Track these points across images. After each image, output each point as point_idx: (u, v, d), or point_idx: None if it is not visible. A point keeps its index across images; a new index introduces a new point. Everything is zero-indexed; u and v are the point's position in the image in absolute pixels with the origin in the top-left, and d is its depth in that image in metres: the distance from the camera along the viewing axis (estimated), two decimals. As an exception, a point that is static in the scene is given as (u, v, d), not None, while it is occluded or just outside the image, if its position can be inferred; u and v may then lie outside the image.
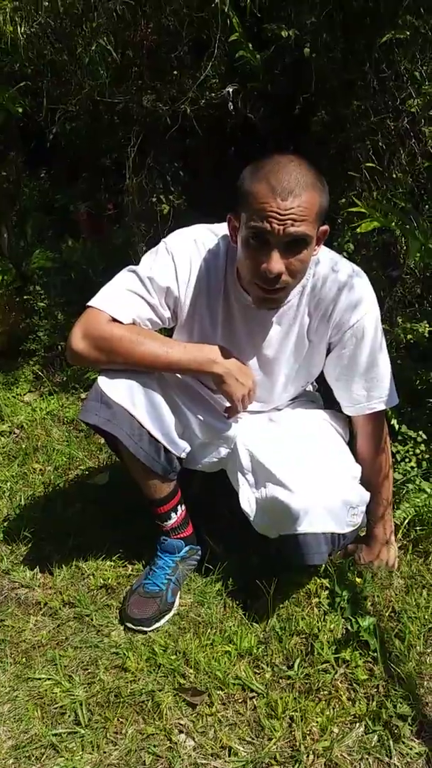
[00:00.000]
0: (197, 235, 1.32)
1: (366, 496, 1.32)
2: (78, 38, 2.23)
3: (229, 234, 1.24)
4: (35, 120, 2.67)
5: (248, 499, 1.37)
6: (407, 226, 1.61)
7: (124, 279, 1.31)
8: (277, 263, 1.11)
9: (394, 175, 1.90)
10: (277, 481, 1.27)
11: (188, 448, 1.40)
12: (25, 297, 2.88)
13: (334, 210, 2.05)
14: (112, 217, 3.10)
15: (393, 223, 1.60)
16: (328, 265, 1.29)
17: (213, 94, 2.12)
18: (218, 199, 2.20)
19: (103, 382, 1.30)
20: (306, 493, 1.23)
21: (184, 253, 1.29)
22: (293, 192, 1.07)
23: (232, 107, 2.10)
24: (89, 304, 1.29)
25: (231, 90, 2.09)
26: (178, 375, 1.35)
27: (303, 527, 1.23)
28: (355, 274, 1.30)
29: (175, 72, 2.21)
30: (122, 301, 1.28)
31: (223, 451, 1.42)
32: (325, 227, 1.17)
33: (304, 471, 1.27)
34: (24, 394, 2.59)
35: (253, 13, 1.97)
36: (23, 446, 2.20)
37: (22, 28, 2.11)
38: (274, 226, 1.08)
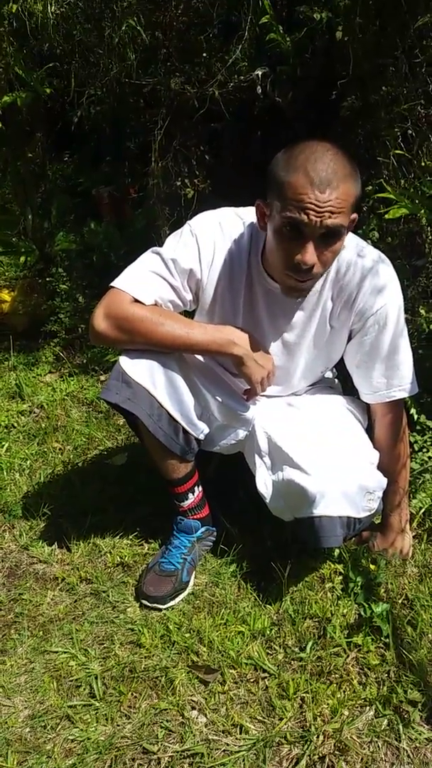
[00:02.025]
0: (222, 218, 1.32)
1: (383, 481, 1.32)
2: (107, 19, 2.22)
3: (256, 219, 1.23)
4: (61, 102, 2.68)
5: (265, 482, 1.37)
6: (434, 215, 1.59)
7: (147, 260, 1.31)
8: (311, 255, 1.10)
9: (423, 163, 1.87)
10: (294, 464, 1.27)
11: (206, 430, 1.41)
12: (47, 279, 2.90)
13: (361, 197, 2.03)
14: (134, 200, 3.11)
15: (421, 211, 1.58)
16: (353, 250, 1.28)
17: (242, 78, 2.11)
18: (243, 184, 2.19)
19: (125, 362, 1.31)
20: (322, 476, 1.24)
21: (208, 236, 1.29)
22: (331, 184, 1.05)
23: (260, 91, 2.08)
24: (112, 284, 1.30)
25: (260, 73, 2.07)
26: (199, 357, 1.36)
27: (319, 510, 1.24)
28: (380, 261, 1.29)
29: (204, 54, 2.19)
30: (145, 282, 1.28)
31: (241, 433, 1.42)
32: (355, 215, 1.16)
33: (322, 455, 1.27)
34: (44, 375, 2.62)
35: (286, -5, 1.94)
36: (43, 425, 2.22)
37: (52, 8, 2.10)
38: (311, 218, 1.06)
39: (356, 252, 1.28)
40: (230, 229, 1.31)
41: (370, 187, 1.90)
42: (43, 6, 2.16)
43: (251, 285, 1.32)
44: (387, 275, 1.29)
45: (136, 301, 1.27)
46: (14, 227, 3.02)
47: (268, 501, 1.37)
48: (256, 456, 1.39)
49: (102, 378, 2.53)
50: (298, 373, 1.43)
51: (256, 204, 1.21)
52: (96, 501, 1.78)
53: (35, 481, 1.92)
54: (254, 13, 2.00)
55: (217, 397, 1.37)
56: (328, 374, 1.56)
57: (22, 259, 3.10)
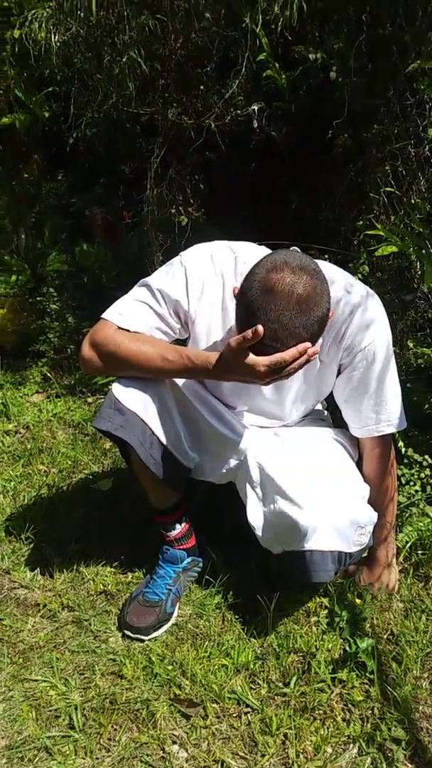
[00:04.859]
0: (215, 252, 1.32)
1: (374, 516, 1.32)
2: (108, 49, 2.27)
3: None
4: (58, 124, 2.72)
5: (255, 513, 1.36)
6: (423, 252, 1.63)
7: (135, 291, 1.33)
8: None
9: (413, 201, 1.92)
10: (286, 497, 1.27)
11: (197, 459, 1.41)
12: (37, 298, 2.90)
13: (351, 232, 2.08)
14: (128, 224, 3.14)
15: (410, 249, 1.62)
16: (341, 285, 1.29)
17: (238, 111, 2.15)
18: (237, 214, 2.24)
19: (117, 389, 1.32)
20: (315, 510, 1.24)
21: (197, 269, 1.30)
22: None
23: (256, 125, 2.13)
24: (102, 315, 1.31)
25: (256, 108, 2.12)
26: (193, 385, 1.36)
27: (310, 544, 1.24)
28: (368, 296, 1.30)
29: (202, 87, 2.24)
30: (131, 311, 1.30)
31: (233, 463, 1.42)
32: None
33: (314, 488, 1.27)
34: (31, 395, 2.61)
35: (282, 34, 2.00)
36: (28, 447, 2.21)
37: (56, 37, 2.14)
38: None
39: (344, 287, 1.29)
40: (222, 262, 1.31)
41: (361, 223, 1.95)
42: (46, 34, 2.20)
43: None
44: (375, 311, 1.30)
45: (122, 330, 1.28)
46: (7, 246, 3.04)
47: (258, 533, 1.36)
48: (248, 486, 1.38)
49: (89, 400, 2.52)
50: (289, 405, 1.44)
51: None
52: (80, 526, 1.76)
53: (19, 503, 1.90)
54: (252, 50, 2.05)
55: (210, 427, 1.37)
56: (319, 406, 1.57)
57: (14, 277, 3.10)
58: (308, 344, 1.10)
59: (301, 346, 1.09)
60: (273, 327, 1.07)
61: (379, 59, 2.00)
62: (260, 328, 1.06)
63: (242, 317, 1.12)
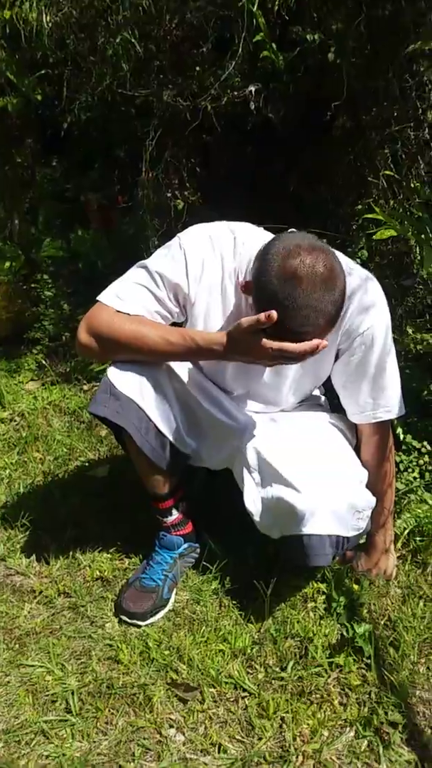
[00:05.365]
0: (213, 232, 1.30)
1: (372, 500, 1.31)
2: (101, 30, 2.23)
3: None
4: (51, 107, 2.67)
5: (253, 499, 1.35)
6: (423, 236, 1.61)
7: (132, 273, 1.31)
8: None
9: (412, 185, 1.90)
10: (283, 481, 1.26)
11: (194, 445, 1.40)
12: (32, 285, 2.88)
13: (350, 216, 2.06)
14: (122, 209, 3.10)
15: (409, 233, 1.60)
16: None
17: (235, 93, 2.12)
18: (234, 197, 2.21)
19: (113, 375, 1.30)
20: (312, 494, 1.23)
21: (196, 250, 1.27)
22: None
23: (253, 107, 2.10)
24: (98, 298, 1.29)
25: (253, 90, 2.09)
26: (189, 370, 1.35)
27: (308, 528, 1.23)
28: (368, 279, 1.28)
29: (197, 68, 2.20)
30: (129, 294, 1.28)
31: (231, 449, 1.40)
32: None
33: (312, 472, 1.26)
34: (26, 383, 2.59)
35: (279, 15, 1.96)
36: (23, 434, 2.20)
37: (47, 18, 2.10)
38: None
39: (344, 270, 1.27)
40: (221, 243, 1.29)
41: (360, 207, 1.93)
42: (38, 14, 2.15)
43: (239, 300, 1.32)
44: (375, 294, 1.28)
45: (120, 313, 1.26)
46: (0, 231, 3.01)
47: (256, 518, 1.35)
48: (245, 471, 1.37)
49: (85, 387, 2.51)
50: (287, 390, 1.42)
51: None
52: (76, 513, 1.76)
53: (14, 491, 1.89)
54: (248, 31, 2.01)
55: (207, 413, 1.36)
56: (316, 392, 1.56)
57: (7, 264, 3.07)
58: (318, 340, 1.08)
59: (313, 343, 1.08)
60: (304, 312, 1.05)
61: (378, 40, 1.97)
62: (274, 313, 1.05)
63: (266, 309, 1.08)
